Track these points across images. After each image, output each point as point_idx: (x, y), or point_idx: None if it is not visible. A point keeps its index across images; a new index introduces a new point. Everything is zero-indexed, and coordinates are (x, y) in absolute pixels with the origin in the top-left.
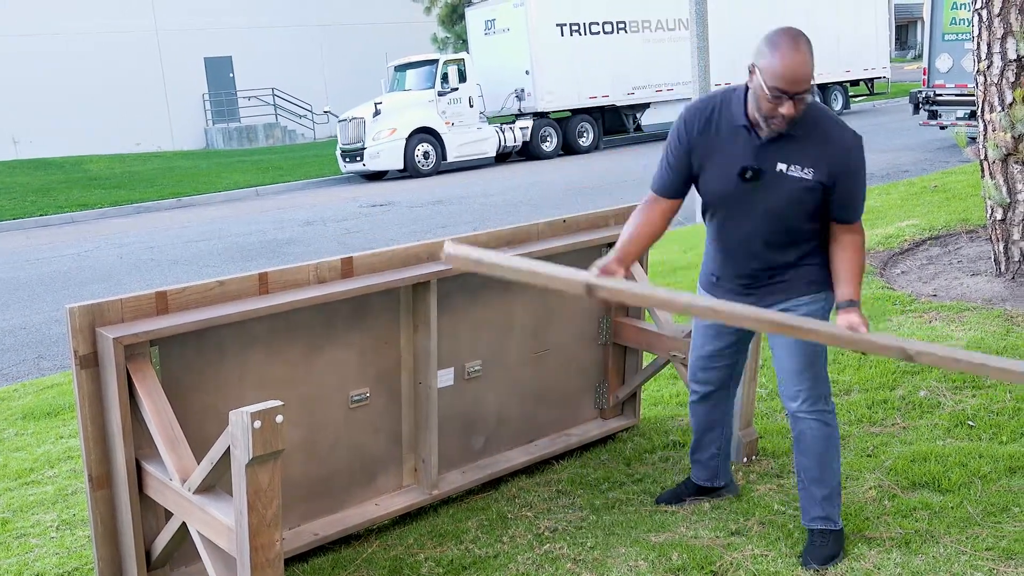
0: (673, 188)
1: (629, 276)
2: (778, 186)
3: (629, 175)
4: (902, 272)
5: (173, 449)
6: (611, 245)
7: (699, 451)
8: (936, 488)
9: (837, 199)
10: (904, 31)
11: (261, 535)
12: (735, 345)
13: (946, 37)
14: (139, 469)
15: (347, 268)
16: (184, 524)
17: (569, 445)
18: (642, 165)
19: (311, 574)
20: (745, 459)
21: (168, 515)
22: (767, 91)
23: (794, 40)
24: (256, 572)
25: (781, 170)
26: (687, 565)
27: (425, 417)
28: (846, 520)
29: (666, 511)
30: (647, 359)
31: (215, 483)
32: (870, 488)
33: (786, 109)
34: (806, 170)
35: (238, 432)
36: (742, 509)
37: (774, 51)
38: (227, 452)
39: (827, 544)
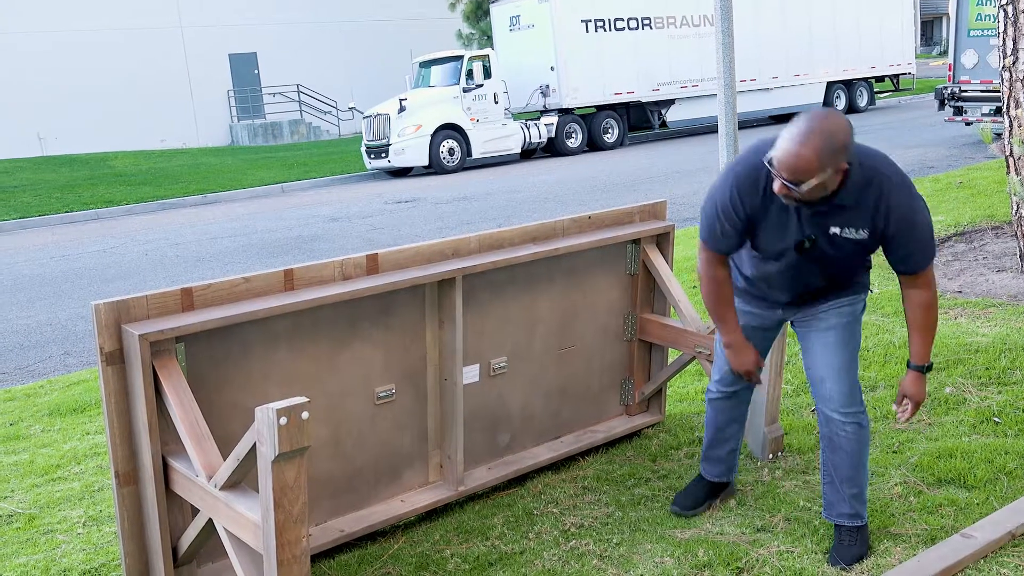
0: (734, 247)
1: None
2: (834, 244)
3: (655, 171)
4: None
5: (199, 445)
6: (636, 242)
7: (718, 447)
8: (962, 484)
9: (895, 252)
10: (929, 27)
11: (288, 531)
12: (771, 343)
13: (971, 33)
14: (165, 465)
15: (372, 265)
16: (211, 520)
17: (595, 441)
18: (668, 161)
19: (337, 570)
20: (771, 456)
21: (194, 511)
22: (774, 171)
23: (807, 132)
24: (283, 568)
25: (835, 233)
26: (713, 561)
27: (451, 413)
28: (872, 517)
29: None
30: (672, 355)
31: (241, 479)
32: (896, 484)
33: (793, 194)
34: (860, 232)
35: (264, 428)
36: (768, 505)
37: (785, 136)
38: (253, 448)
39: (855, 542)
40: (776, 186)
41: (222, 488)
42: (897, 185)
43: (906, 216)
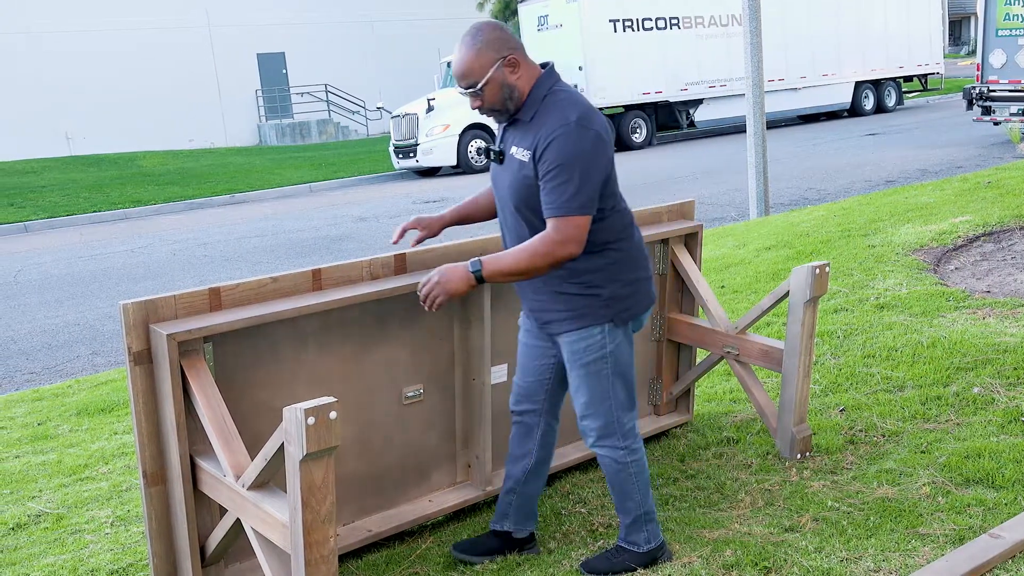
0: None
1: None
2: (509, 168)
3: (682, 171)
4: (955, 268)
5: (227, 445)
6: (664, 242)
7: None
8: (990, 484)
9: (540, 187)
10: (958, 27)
11: (315, 531)
12: (544, 360)
13: (1000, 33)
14: (193, 465)
15: (400, 264)
16: (238, 520)
17: None
18: (696, 161)
19: (365, 570)
20: (799, 455)
21: (222, 511)
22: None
23: (461, 42)
24: (310, 568)
25: (512, 153)
26: (741, 561)
27: (479, 413)
28: (900, 517)
29: (720, 508)
30: (700, 355)
31: (269, 479)
32: (923, 484)
33: (472, 102)
34: (525, 152)
35: (292, 428)
36: (796, 505)
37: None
38: (281, 448)
39: (614, 557)
40: (470, 103)
41: (250, 488)
42: (564, 120)
43: (553, 149)
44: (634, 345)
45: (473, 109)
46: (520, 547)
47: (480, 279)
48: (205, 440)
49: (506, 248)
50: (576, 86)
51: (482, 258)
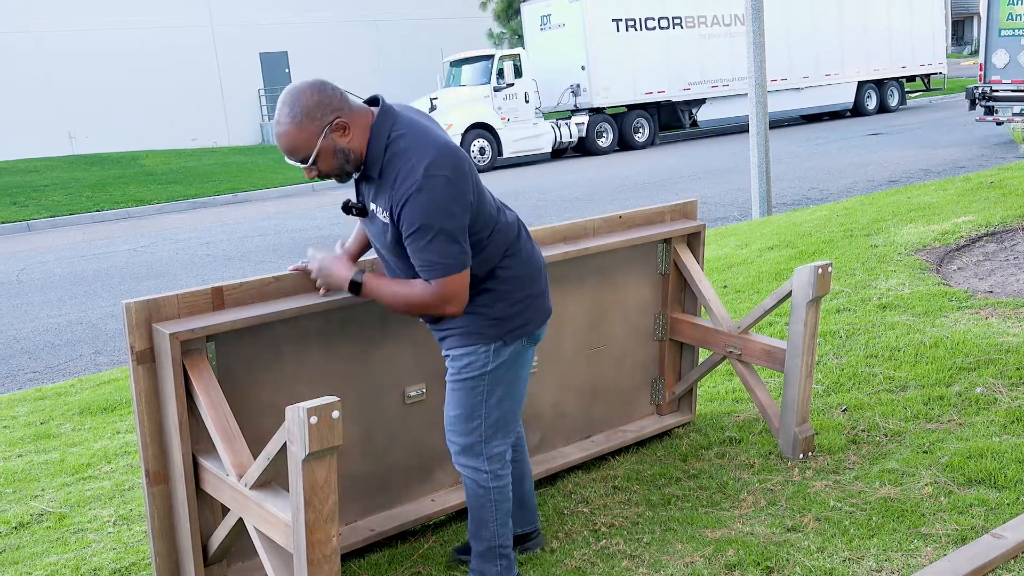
0: None
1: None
2: (374, 224)
3: (685, 171)
4: (958, 268)
5: (230, 445)
6: (667, 242)
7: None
8: (992, 484)
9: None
10: (960, 27)
11: (318, 531)
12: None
13: (1003, 33)
14: (196, 464)
15: None
16: (241, 520)
17: (625, 441)
18: (698, 161)
19: (368, 570)
20: (801, 455)
21: (225, 511)
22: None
23: (278, 114)
24: (313, 567)
25: (372, 209)
26: (743, 561)
27: None
28: (902, 517)
29: (723, 508)
30: (703, 355)
31: (271, 479)
32: (926, 484)
33: (312, 173)
34: (384, 213)
35: (294, 428)
36: (798, 505)
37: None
38: (284, 448)
39: None
40: (305, 174)
41: (252, 487)
42: (412, 175)
43: (408, 210)
44: (643, 344)
45: (310, 179)
46: (523, 542)
47: (356, 292)
48: (208, 439)
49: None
50: (578, 86)
51: (366, 275)
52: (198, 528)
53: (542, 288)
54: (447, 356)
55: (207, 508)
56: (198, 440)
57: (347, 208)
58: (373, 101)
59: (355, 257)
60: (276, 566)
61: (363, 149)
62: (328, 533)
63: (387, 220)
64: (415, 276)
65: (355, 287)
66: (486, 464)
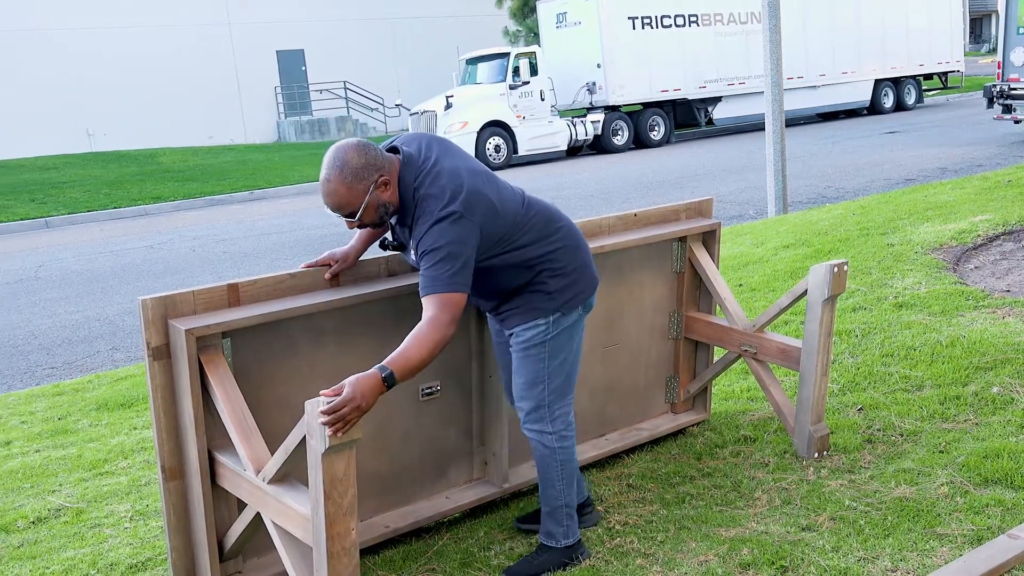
0: None
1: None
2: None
3: (701, 169)
4: (975, 267)
5: (246, 440)
6: (682, 240)
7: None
8: (1009, 485)
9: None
10: (978, 24)
11: (337, 523)
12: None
13: (1021, 31)
14: (212, 460)
15: None
16: (258, 514)
17: (640, 439)
18: (714, 159)
19: (382, 566)
20: (816, 454)
21: (241, 506)
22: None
23: (325, 167)
24: (332, 560)
25: (412, 249)
26: (758, 560)
27: (495, 410)
28: (918, 517)
29: (737, 507)
30: (718, 353)
31: (289, 473)
32: (942, 484)
33: (355, 224)
34: (414, 253)
35: (314, 422)
36: (813, 505)
37: (320, 184)
38: (302, 442)
39: (534, 559)
40: (346, 226)
41: (270, 482)
42: (429, 212)
43: (420, 241)
44: (658, 342)
45: (350, 228)
46: (580, 513)
47: (392, 383)
48: (224, 435)
49: None
50: (594, 84)
51: (386, 363)
52: (213, 523)
53: (587, 259)
54: (511, 334)
55: (223, 504)
56: (214, 436)
57: (384, 246)
58: (393, 150)
59: (359, 254)
60: (294, 560)
61: (397, 199)
62: (347, 526)
63: (416, 257)
64: (478, 287)
65: (391, 379)
66: (550, 426)
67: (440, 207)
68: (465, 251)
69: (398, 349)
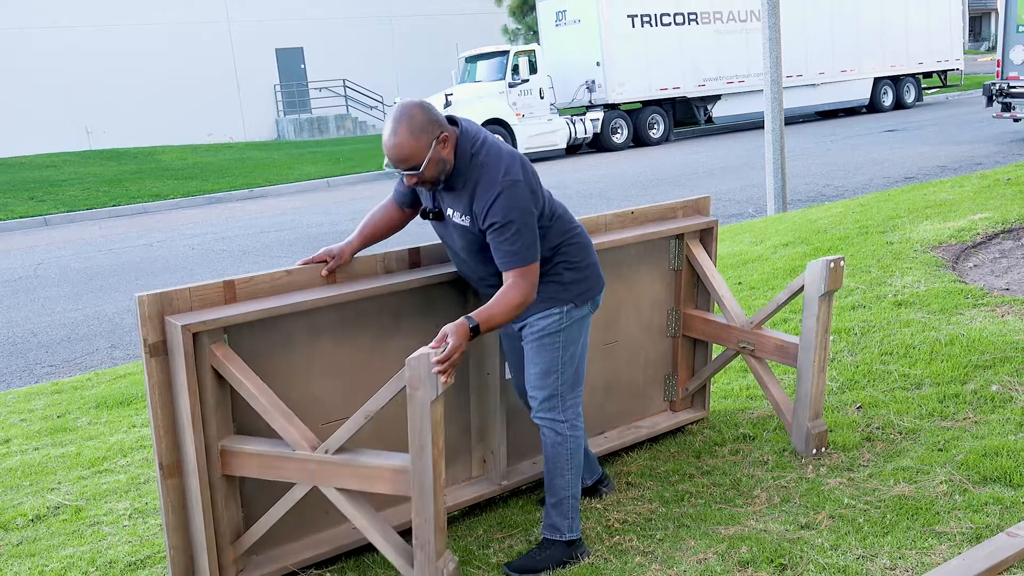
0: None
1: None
2: (454, 229)
3: (700, 167)
4: (974, 265)
5: (291, 421)
6: (679, 237)
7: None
8: (1008, 483)
9: (491, 246)
10: (978, 23)
11: (439, 464)
12: (517, 348)
13: (1020, 29)
14: (221, 453)
15: (415, 258)
16: (314, 489)
17: (638, 437)
18: (713, 157)
19: (381, 565)
20: (814, 451)
21: (248, 500)
22: (394, 169)
23: (393, 125)
24: (437, 497)
25: (450, 215)
26: (756, 558)
27: (493, 408)
28: (917, 515)
29: (736, 505)
30: (716, 351)
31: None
32: (941, 482)
33: (418, 179)
34: (464, 217)
35: (424, 373)
36: (812, 503)
37: (382, 137)
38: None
39: (538, 554)
40: (406, 180)
41: (336, 452)
42: (494, 183)
43: (493, 214)
44: (656, 340)
45: (409, 186)
46: (600, 486)
47: (477, 332)
48: (234, 425)
49: (468, 274)
50: (593, 82)
51: (474, 315)
52: (212, 521)
53: (597, 259)
54: (523, 326)
55: (230, 498)
56: (222, 428)
57: (425, 214)
58: (452, 120)
59: (355, 251)
60: (369, 519)
61: (453, 160)
62: (442, 466)
63: (466, 223)
64: (489, 268)
65: (476, 330)
66: (563, 415)
67: (502, 173)
68: (531, 220)
69: (485, 306)
